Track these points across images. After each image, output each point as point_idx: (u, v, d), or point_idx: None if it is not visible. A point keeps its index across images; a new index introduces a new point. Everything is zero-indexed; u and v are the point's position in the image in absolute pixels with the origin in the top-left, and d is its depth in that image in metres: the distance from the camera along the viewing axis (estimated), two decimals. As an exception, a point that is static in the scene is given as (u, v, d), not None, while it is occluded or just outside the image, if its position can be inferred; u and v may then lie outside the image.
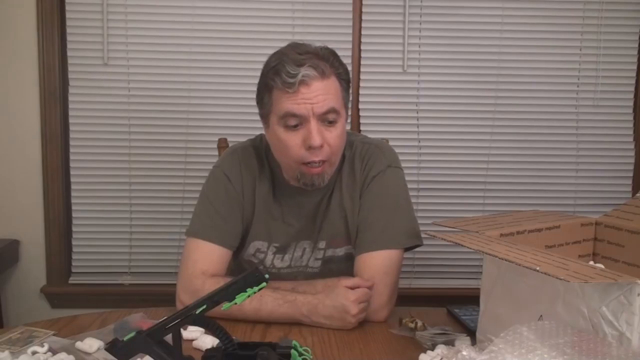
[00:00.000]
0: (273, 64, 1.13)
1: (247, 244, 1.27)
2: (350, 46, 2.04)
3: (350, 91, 2.02)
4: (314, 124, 1.11)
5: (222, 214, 1.22)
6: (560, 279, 0.71)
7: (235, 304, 0.76)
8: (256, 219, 1.25)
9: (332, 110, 1.12)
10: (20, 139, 2.01)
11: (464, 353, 0.83)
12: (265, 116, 1.18)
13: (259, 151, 1.27)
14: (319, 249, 1.26)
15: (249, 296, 0.76)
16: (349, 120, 2.03)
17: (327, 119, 1.12)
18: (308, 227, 1.26)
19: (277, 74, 1.11)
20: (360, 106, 2.05)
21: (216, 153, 1.51)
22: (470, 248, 0.85)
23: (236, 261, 1.29)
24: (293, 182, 1.21)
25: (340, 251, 1.26)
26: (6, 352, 0.93)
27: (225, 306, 0.76)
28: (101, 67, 2.01)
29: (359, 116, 2.05)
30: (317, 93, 1.10)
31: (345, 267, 1.24)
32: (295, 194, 1.24)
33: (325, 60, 1.13)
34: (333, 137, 1.14)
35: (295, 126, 1.12)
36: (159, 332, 0.76)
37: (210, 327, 0.79)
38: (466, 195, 2.09)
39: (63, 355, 0.92)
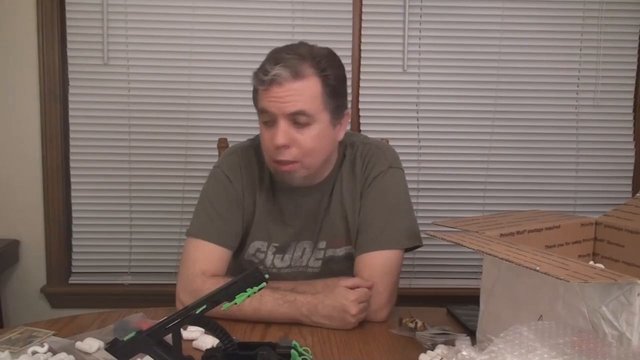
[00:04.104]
0: (263, 61, 1.16)
1: (247, 244, 1.27)
2: (350, 46, 2.04)
3: (350, 91, 2.04)
4: (282, 124, 1.12)
5: (222, 214, 1.23)
6: (560, 279, 0.71)
7: (235, 304, 0.76)
8: (256, 219, 1.25)
9: (302, 113, 1.11)
10: (20, 139, 2.01)
11: (464, 353, 0.83)
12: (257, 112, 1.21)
13: (259, 151, 1.27)
14: (319, 249, 1.26)
15: (249, 296, 0.76)
16: (349, 120, 2.03)
17: (297, 120, 1.12)
18: (308, 227, 1.26)
19: (256, 73, 1.14)
20: (360, 106, 2.05)
21: (216, 153, 1.51)
22: (470, 248, 0.85)
23: (236, 261, 1.29)
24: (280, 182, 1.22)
25: (341, 251, 1.26)
26: (6, 352, 0.93)
27: (225, 306, 0.76)
28: (101, 67, 2.01)
29: (359, 116, 2.05)
30: (289, 93, 1.10)
31: (345, 267, 1.24)
32: (293, 194, 1.24)
33: (309, 60, 1.12)
34: (303, 139, 1.13)
35: (270, 123, 1.14)
36: (159, 332, 0.76)
37: (210, 327, 0.79)
38: (466, 195, 2.09)
39: (63, 355, 0.92)
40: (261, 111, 1.15)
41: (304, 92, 1.11)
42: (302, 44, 1.17)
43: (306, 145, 1.13)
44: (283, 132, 1.11)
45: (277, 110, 1.11)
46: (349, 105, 2.01)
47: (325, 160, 1.20)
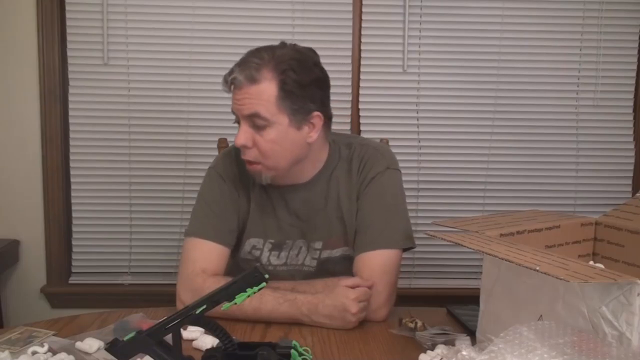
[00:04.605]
0: None
1: (243, 242, 1.27)
2: (350, 46, 2.04)
3: (350, 91, 2.04)
4: (242, 125, 1.16)
5: (218, 213, 1.24)
6: (560, 279, 0.71)
7: (235, 304, 0.76)
8: (251, 216, 1.26)
9: (256, 116, 1.13)
10: (20, 138, 2.01)
11: (464, 353, 0.83)
12: None
13: None
14: (314, 249, 1.26)
15: (248, 296, 0.76)
16: (348, 121, 2.04)
17: (254, 123, 1.14)
18: (301, 225, 1.26)
19: (224, 75, 1.17)
20: (360, 106, 2.05)
21: (216, 153, 1.50)
22: (470, 248, 0.85)
23: (233, 260, 1.30)
24: None
25: (337, 252, 1.26)
26: (6, 352, 0.93)
27: (225, 306, 0.76)
28: (101, 67, 2.01)
29: (359, 116, 2.05)
30: (245, 96, 1.14)
31: (342, 267, 1.24)
32: (283, 191, 1.26)
33: (267, 64, 1.13)
34: (262, 141, 1.15)
35: (238, 123, 1.18)
36: (159, 332, 0.76)
37: (210, 327, 0.79)
38: (466, 195, 2.09)
39: (63, 355, 0.92)
40: (232, 111, 1.19)
41: (258, 95, 1.13)
42: (274, 47, 1.17)
43: (264, 147, 1.16)
44: (243, 132, 1.16)
45: (237, 112, 1.16)
46: (349, 106, 2.04)
47: (294, 161, 1.20)
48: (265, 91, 1.13)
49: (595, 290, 0.75)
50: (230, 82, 1.15)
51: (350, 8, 2.03)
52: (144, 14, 2.00)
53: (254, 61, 1.14)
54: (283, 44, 1.19)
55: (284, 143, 1.17)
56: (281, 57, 1.15)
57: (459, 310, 1.17)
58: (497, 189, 2.10)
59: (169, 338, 0.77)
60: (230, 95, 1.18)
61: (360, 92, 2.05)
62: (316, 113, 1.19)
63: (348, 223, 1.25)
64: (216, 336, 0.80)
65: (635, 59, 2.08)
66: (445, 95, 2.06)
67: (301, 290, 1.14)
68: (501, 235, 0.95)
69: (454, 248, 1.92)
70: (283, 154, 1.18)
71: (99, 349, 0.95)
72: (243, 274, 0.77)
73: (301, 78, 1.15)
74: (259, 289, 0.76)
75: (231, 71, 1.16)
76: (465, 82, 2.06)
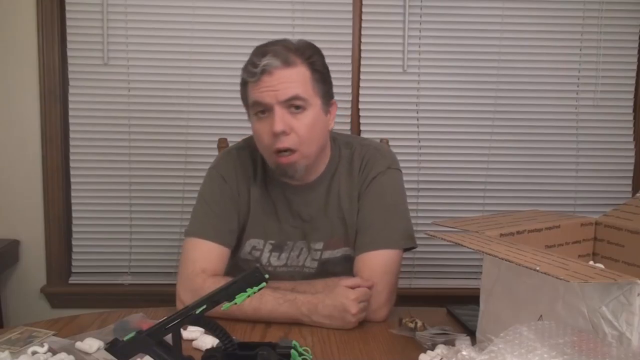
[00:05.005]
0: (250, 56, 1.18)
1: (243, 242, 1.27)
2: (350, 46, 2.04)
3: (350, 91, 2.04)
4: (277, 111, 1.13)
5: (219, 213, 1.24)
6: (560, 279, 0.71)
7: (235, 304, 0.76)
8: (251, 217, 1.26)
9: (296, 98, 1.13)
10: (20, 138, 2.01)
11: (464, 353, 0.83)
12: (247, 111, 1.22)
13: (253, 150, 1.28)
14: (315, 250, 1.26)
15: (248, 296, 0.76)
16: (348, 120, 2.04)
17: (292, 104, 1.14)
18: (303, 226, 1.26)
19: (245, 68, 1.17)
20: (360, 106, 2.05)
21: (216, 153, 1.50)
22: (470, 248, 0.85)
23: (233, 260, 1.29)
24: (281, 178, 1.23)
25: (338, 252, 1.26)
26: (6, 352, 0.93)
27: (225, 306, 0.76)
28: (101, 67, 2.01)
29: (359, 116, 2.05)
30: (280, 81, 1.12)
31: (342, 268, 1.24)
32: (285, 191, 1.25)
33: (294, 51, 1.15)
34: (300, 125, 1.14)
35: (264, 114, 1.15)
36: (159, 332, 0.76)
37: (210, 327, 0.79)
38: (466, 195, 2.09)
39: (63, 355, 0.92)
40: (254, 104, 1.16)
41: (295, 78, 1.13)
42: (284, 39, 1.19)
43: (302, 131, 1.15)
44: (280, 118, 1.13)
45: (272, 99, 1.13)
46: (349, 106, 2.04)
47: (320, 150, 1.21)
48: (300, 73, 1.14)
49: (595, 290, 0.75)
50: (261, 69, 1.12)
51: (350, 8, 2.03)
52: (144, 14, 2.00)
53: (280, 49, 1.14)
54: (287, 39, 1.20)
55: (317, 126, 1.18)
56: (300, 44, 1.18)
57: (459, 310, 1.17)
58: (497, 189, 2.10)
59: (169, 338, 0.77)
60: (236, 90, 1.17)
61: (360, 92, 2.05)
62: (333, 100, 1.22)
63: (349, 223, 1.24)
64: (216, 336, 0.79)
65: (635, 59, 2.08)
66: (445, 95, 2.06)
67: (301, 290, 1.14)
68: (501, 235, 0.95)
69: (454, 248, 1.92)
70: (317, 139, 1.18)
71: (99, 349, 0.95)
72: (243, 274, 0.77)
73: (324, 62, 1.19)
74: (259, 289, 0.76)
75: (253, 62, 1.14)
76: (465, 82, 2.06)
